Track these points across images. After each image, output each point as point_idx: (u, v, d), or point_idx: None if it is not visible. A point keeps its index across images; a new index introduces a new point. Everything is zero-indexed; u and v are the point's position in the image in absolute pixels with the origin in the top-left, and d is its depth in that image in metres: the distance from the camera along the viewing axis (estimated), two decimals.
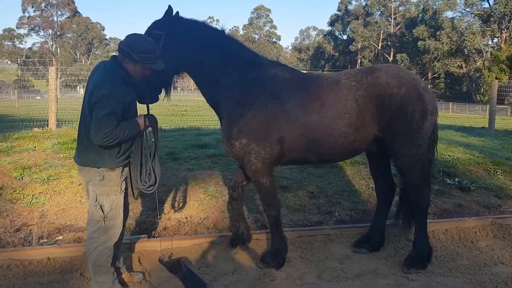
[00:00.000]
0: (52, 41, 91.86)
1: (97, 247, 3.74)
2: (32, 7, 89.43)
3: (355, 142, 4.30)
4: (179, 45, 4.21)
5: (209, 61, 4.32)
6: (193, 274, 4.14)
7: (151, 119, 3.90)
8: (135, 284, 4.17)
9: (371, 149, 4.59)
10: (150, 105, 4.17)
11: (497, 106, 15.31)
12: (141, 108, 4.06)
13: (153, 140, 3.97)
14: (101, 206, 3.71)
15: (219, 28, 4.46)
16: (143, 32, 4.17)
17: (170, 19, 4.19)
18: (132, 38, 3.67)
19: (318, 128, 4.19)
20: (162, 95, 4.41)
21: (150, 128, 3.92)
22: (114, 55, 3.76)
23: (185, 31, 4.26)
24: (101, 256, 3.75)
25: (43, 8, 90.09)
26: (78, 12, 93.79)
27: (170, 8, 4.17)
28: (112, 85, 3.54)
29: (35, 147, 7.75)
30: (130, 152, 3.90)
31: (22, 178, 6.20)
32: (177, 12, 4.24)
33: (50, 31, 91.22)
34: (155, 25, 4.21)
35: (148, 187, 4.00)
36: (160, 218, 5.54)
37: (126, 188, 3.98)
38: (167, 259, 4.39)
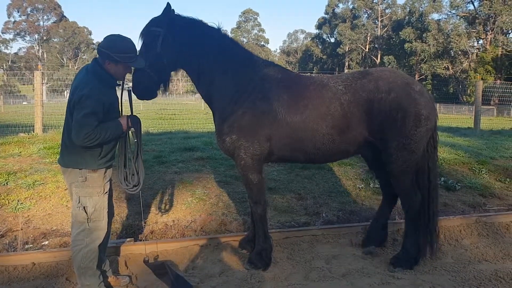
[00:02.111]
0: (39, 46, 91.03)
1: (82, 249, 3.72)
2: (18, 12, 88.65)
3: (342, 144, 4.31)
4: (178, 42, 4.26)
5: (206, 59, 4.39)
6: (179, 277, 4.13)
7: (134, 120, 3.90)
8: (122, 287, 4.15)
9: (365, 153, 4.62)
10: (146, 103, 4.20)
11: (483, 106, 15.53)
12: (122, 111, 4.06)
13: (135, 140, 3.97)
14: (84, 207, 3.71)
15: (215, 26, 4.52)
16: (141, 29, 4.24)
17: (169, 16, 4.24)
18: (110, 39, 3.69)
19: (302, 128, 4.24)
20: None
21: (132, 129, 3.92)
22: (95, 58, 3.78)
23: (183, 28, 4.31)
24: (86, 258, 3.73)
25: (29, 12, 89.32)
26: (65, 16, 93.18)
27: (168, 5, 4.22)
28: (91, 86, 3.55)
29: (20, 152, 7.68)
30: (113, 153, 3.89)
31: (7, 184, 6.14)
32: (173, 10, 4.28)
33: (36, 36, 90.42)
34: (154, 22, 4.25)
35: (132, 188, 4.02)
36: (146, 221, 5.52)
37: (110, 190, 3.98)
38: (152, 261, 4.39)
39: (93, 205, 3.72)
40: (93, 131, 3.46)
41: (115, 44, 3.65)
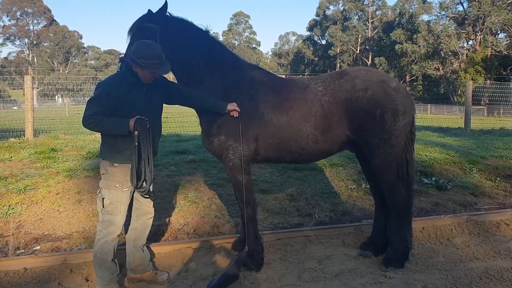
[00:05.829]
0: (29, 50, 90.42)
1: (100, 240, 3.92)
2: (7, 16, 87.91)
3: (325, 143, 4.40)
4: (171, 42, 4.29)
5: (196, 60, 4.44)
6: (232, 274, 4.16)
7: (140, 123, 3.81)
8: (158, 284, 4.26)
9: (356, 151, 4.73)
10: None
11: (474, 107, 15.67)
12: None
13: (136, 144, 3.85)
14: (102, 198, 3.90)
15: (203, 28, 4.56)
16: (130, 25, 4.27)
17: (165, 14, 4.29)
18: (137, 45, 3.85)
19: (287, 128, 4.33)
20: None
21: (136, 132, 3.80)
22: (127, 62, 3.94)
23: (175, 29, 4.36)
24: (102, 249, 3.91)
25: (19, 17, 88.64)
26: (55, 20, 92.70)
27: (166, 4, 4.26)
28: (105, 80, 3.91)
29: (11, 157, 7.63)
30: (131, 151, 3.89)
31: None
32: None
33: (26, 40, 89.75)
34: (149, 18, 4.26)
35: (139, 189, 4.01)
36: None
37: (151, 191, 4.11)
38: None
39: (109, 198, 3.89)
40: (92, 116, 3.70)
41: (141, 51, 3.80)
